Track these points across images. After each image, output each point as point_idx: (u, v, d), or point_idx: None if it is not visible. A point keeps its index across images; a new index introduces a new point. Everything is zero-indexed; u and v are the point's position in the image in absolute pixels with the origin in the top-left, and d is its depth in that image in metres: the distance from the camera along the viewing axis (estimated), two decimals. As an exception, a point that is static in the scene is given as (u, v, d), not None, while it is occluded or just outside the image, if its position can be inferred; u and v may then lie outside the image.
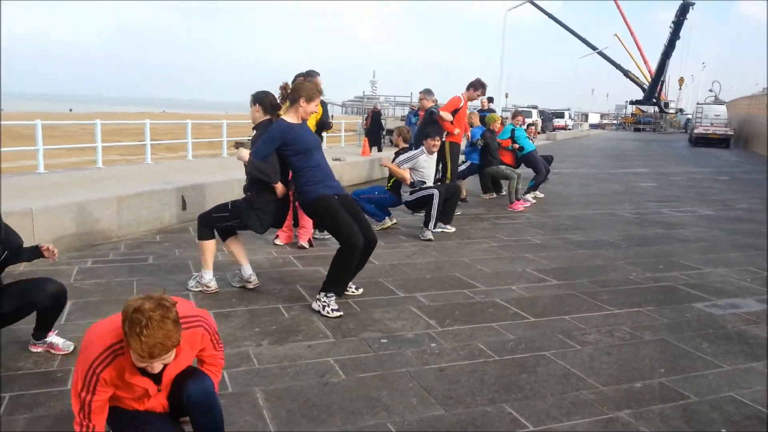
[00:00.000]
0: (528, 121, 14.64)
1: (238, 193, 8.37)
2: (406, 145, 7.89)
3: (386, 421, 2.89)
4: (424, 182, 7.25)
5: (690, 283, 5.52)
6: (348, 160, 12.35)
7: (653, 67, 65.37)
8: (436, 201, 7.04)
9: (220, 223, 4.68)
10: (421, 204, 7.23)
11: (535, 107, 47.45)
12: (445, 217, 7.36)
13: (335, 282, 4.34)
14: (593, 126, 70.49)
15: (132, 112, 75.33)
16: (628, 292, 5.14)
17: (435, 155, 7.54)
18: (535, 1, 51.40)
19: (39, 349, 3.49)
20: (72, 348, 3.50)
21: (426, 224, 7.06)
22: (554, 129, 46.24)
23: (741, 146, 33.69)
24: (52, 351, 3.47)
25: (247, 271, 4.80)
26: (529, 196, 10.29)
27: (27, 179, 8.61)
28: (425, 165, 7.31)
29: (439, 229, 7.34)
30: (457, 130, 8.29)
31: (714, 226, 8.63)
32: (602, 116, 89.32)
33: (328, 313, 4.25)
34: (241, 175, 8.63)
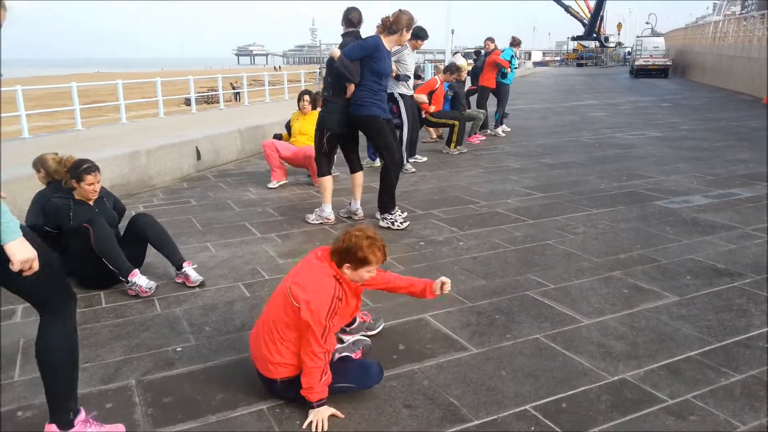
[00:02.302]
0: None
1: (241, 143, 9.17)
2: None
3: (447, 290, 3.90)
4: (409, 76, 7.81)
5: (649, 188, 6.69)
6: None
7: (591, 3, 66.88)
8: (405, 138, 7.73)
9: (321, 149, 5.39)
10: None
11: (483, 48, 48.17)
12: (412, 149, 8.21)
13: (390, 198, 5.26)
14: (537, 64, 71.93)
15: (63, 75, 72.35)
16: (601, 198, 6.27)
17: (415, 53, 8.16)
18: None
19: (180, 280, 4.14)
20: (200, 281, 4.10)
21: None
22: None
23: (679, 75, 35.56)
24: (186, 283, 4.09)
25: (355, 205, 5.62)
26: (499, 130, 11.35)
27: (20, 144, 8.87)
28: (408, 60, 7.80)
29: (412, 160, 8.20)
30: (432, 108, 9.06)
31: (663, 144, 9.88)
32: (544, 54, 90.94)
33: (399, 226, 5.18)
34: (240, 126, 9.41)
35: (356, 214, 5.66)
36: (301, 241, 5.00)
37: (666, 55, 37.29)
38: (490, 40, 11.66)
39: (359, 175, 5.64)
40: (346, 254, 2.65)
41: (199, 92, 32.99)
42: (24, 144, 8.93)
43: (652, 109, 16.40)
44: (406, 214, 5.43)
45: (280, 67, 77.70)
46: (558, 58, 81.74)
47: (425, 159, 8.53)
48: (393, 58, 7.79)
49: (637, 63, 36.07)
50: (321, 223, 5.49)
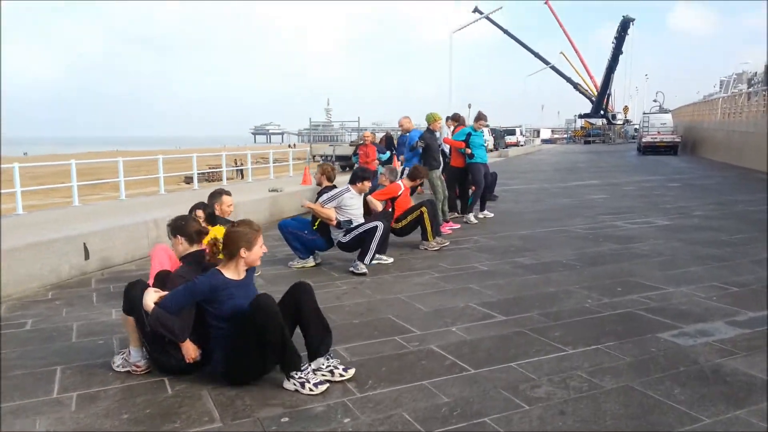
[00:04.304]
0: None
1: (151, 238, 7.51)
2: (330, 184, 7.15)
3: None
4: (351, 222, 6.58)
5: (652, 307, 4.88)
6: (286, 190, 11.57)
7: (598, 81, 67.00)
8: (378, 234, 6.35)
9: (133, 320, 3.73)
10: (360, 244, 6.50)
11: (487, 125, 47.58)
12: (381, 246, 6.67)
13: (292, 356, 3.43)
14: (545, 141, 71.39)
15: (78, 153, 73.32)
16: (583, 325, 4.47)
17: (362, 195, 6.89)
18: (491, 18, 53.01)
19: None
20: None
21: (361, 257, 6.33)
22: (506, 146, 46.44)
23: (689, 152, 34.14)
24: None
25: (138, 355, 3.76)
26: (471, 216, 9.66)
27: None
28: (352, 203, 6.64)
29: (375, 261, 6.63)
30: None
31: (671, 236, 8.12)
32: (553, 131, 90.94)
33: (311, 390, 3.34)
34: (156, 215, 7.82)
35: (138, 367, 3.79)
36: (100, 412, 3.21)
37: (674, 131, 36.12)
38: (453, 118, 10.25)
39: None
40: None
41: (201, 171, 33.22)
42: None
43: (659, 190, 14.71)
44: (330, 367, 3.56)
45: (294, 144, 77.84)
46: (566, 136, 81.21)
47: (390, 260, 6.83)
48: (331, 204, 6.53)
49: (644, 140, 34.78)
50: (129, 371, 3.74)
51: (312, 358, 3.56)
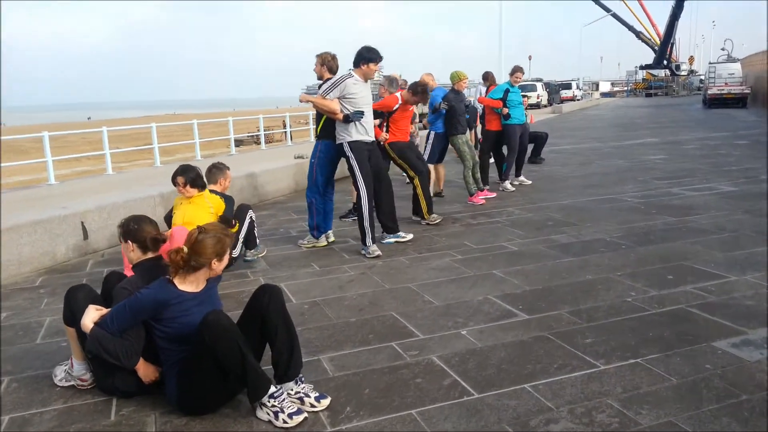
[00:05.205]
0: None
1: (157, 214, 7.05)
2: (332, 76, 6.15)
3: None
4: (362, 112, 5.56)
5: (709, 302, 4.06)
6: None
7: (662, 29, 63.09)
8: (365, 211, 5.60)
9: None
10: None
11: (540, 80, 45.57)
12: (390, 226, 6.01)
13: (257, 380, 2.82)
14: (605, 94, 68.33)
15: (138, 117, 75.17)
16: (622, 328, 3.71)
17: (368, 82, 5.81)
18: None
19: None
20: None
21: (363, 240, 5.65)
22: (561, 101, 44.46)
23: (759, 104, 31.68)
24: None
25: (81, 368, 3.26)
26: (508, 184, 8.85)
27: None
28: (357, 91, 5.57)
29: (392, 240, 5.99)
30: (384, 135, 6.55)
31: (736, 206, 7.12)
32: (613, 84, 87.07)
33: (284, 422, 2.74)
34: (162, 190, 7.33)
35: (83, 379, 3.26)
36: (24, 446, 2.73)
37: (743, 82, 33.53)
38: (485, 76, 9.31)
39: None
40: None
41: (251, 133, 33.89)
42: None
43: (725, 148, 13.39)
44: (300, 394, 2.93)
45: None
46: (626, 88, 77.46)
47: (410, 237, 6.15)
48: (333, 94, 5.57)
49: (709, 92, 32.48)
50: (74, 385, 3.24)
51: (279, 381, 2.95)
